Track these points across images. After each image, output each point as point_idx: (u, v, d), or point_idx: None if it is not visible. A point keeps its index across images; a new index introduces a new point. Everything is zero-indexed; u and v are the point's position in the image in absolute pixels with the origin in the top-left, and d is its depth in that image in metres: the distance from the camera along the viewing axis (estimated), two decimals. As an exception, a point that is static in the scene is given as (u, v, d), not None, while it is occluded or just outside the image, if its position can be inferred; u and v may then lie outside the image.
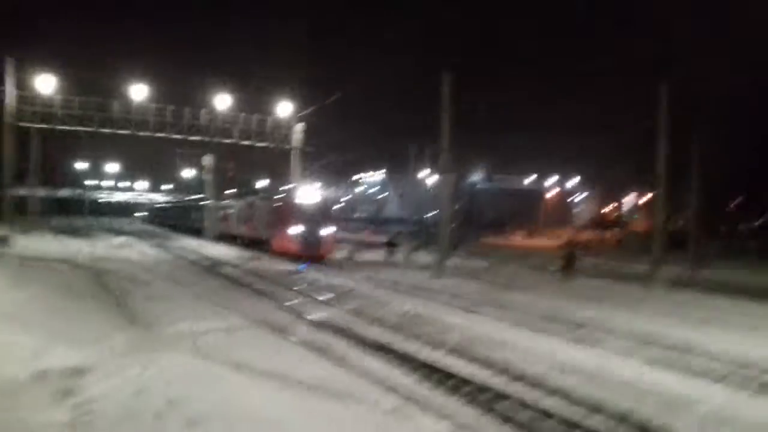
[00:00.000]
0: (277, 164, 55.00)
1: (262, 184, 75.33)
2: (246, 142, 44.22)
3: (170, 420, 5.17)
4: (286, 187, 35.50)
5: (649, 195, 49.98)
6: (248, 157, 56.77)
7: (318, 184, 38.06)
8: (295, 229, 29.24)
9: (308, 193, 31.42)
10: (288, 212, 30.11)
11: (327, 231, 30.19)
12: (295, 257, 28.25)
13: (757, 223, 57.92)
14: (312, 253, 29.00)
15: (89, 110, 40.47)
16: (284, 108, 44.14)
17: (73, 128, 41.14)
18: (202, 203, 51.40)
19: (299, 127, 44.86)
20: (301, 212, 29.90)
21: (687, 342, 12.37)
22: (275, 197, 32.95)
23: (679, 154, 33.43)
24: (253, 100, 45.04)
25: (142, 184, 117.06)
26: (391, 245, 33.61)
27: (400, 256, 32.53)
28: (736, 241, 52.79)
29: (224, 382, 7.14)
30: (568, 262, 26.81)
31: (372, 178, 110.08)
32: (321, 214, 30.47)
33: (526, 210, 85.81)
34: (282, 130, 44.55)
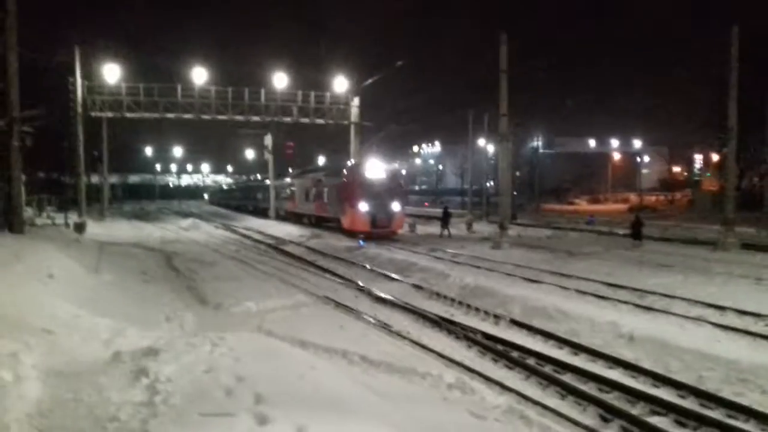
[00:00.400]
0: (335, 140, 55.46)
1: (322, 160, 76.10)
2: (305, 120, 44.63)
3: (240, 396, 5.39)
4: (352, 163, 34.04)
5: (722, 152, 47.74)
6: (307, 135, 57.37)
7: (383, 159, 35.35)
8: (365, 206, 28.06)
9: (376, 167, 29.91)
10: (356, 188, 28.66)
11: (397, 206, 29.00)
12: (367, 235, 27.08)
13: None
14: (383, 229, 28.18)
15: (154, 96, 41.68)
16: (341, 83, 44.17)
17: (139, 115, 42.50)
18: (264, 183, 51.42)
19: (356, 102, 44.90)
20: (370, 188, 28.59)
21: (758, 308, 11.89)
22: (343, 173, 30.94)
23: (752, 105, 31.84)
24: (311, 77, 45.36)
25: (207, 167, 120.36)
26: (445, 217, 31.60)
27: (452, 228, 31.85)
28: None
29: (290, 359, 7.34)
30: (635, 227, 26.07)
31: (430, 149, 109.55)
32: (390, 189, 29.07)
33: (591, 174, 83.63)
34: (339, 105, 44.66)
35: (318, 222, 34.86)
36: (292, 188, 41.98)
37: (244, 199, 63.73)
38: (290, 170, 56.04)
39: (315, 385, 6.01)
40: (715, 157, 65.46)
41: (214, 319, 12.27)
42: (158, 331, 10.15)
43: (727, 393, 7.72)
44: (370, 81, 40.01)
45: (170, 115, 42.94)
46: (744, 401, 7.43)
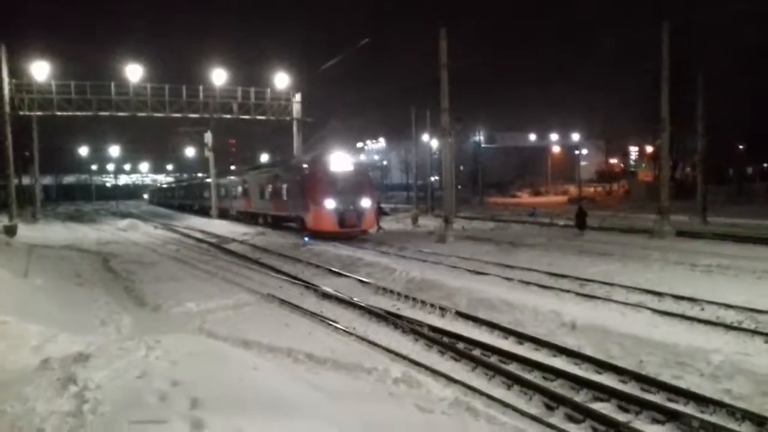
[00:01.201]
0: (277, 137, 54.77)
1: (265, 158, 75.04)
2: (246, 117, 43.84)
3: (175, 402, 5.12)
4: (314, 155, 30.54)
5: (656, 144, 49.35)
6: (249, 132, 56.51)
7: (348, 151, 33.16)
8: (331, 203, 25.41)
9: (341, 160, 27.31)
10: (321, 183, 26.00)
11: (367, 202, 26.35)
12: (334, 235, 24.90)
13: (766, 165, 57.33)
14: (353, 229, 25.71)
15: (86, 94, 40.13)
16: (281, 79, 43.54)
17: (71, 113, 40.86)
18: (206, 181, 49.37)
19: (298, 98, 44.39)
20: (336, 183, 26.05)
21: (694, 293, 12.27)
22: (304, 167, 27.97)
23: (684, 100, 32.99)
24: (250, 73, 44.60)
25: (145, 166, 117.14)
26: (380, 212, 31.27)
27: (398, 223, 31.82)
28: (745, 184, 52.36)
29: (231, 360, 7.07)
30: (579, 217, 26.71)
31: (375, 145, 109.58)
32: (358, 184, 26.63)
33: (532, 167, 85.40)
34: (281, 101, 44.07)
35: (276, 222, 32.18)
36: (245, 185, 38.59)
37: (186, 198, 61.47)
38: (232, 167, 55.00)
39: (256, 386, 5.79)
40: (649, 149, 67.77)
41: (153, 321, 11.83)
42: (92, 335, 9.69)
43: (666, 377, 7.88)
44: (329, 64, 32.31)
45: (104, 113, 41.39)
46: (683, 384, 7.59)
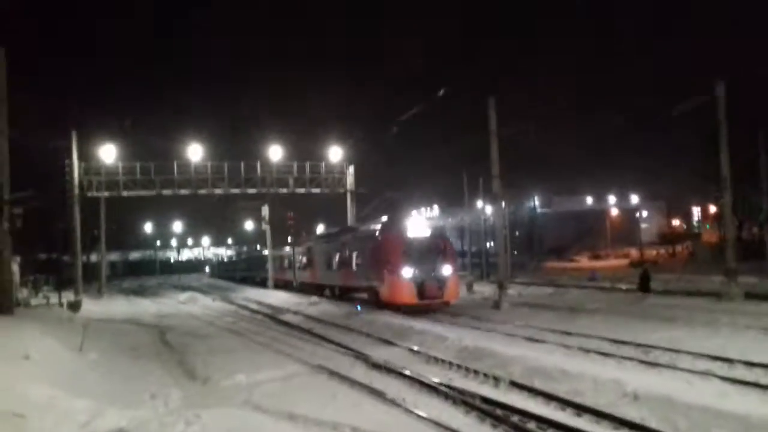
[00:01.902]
0: (331, 208, 55.60)
1: (320, 229, 76.12)
2: (301, 190, 44.93)
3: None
4: (388, 218, 28.01)
5: (719, 203, 47.66)
6: (303, 204, 57.51)
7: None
8: (409, 272, 22.65)
9: (417, 223, 25.26)
10: (396, 249, 23.33)
11: (448, 269, 23.43)
12: (413, 308, 22.31)
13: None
14: (434, 300, 22.79)
15: (150, 174, 42.07)
16: (335, 153, 44.75)
17: (136, 193, 42.80)
18: (264, 254, 49.88)
19: (351, 170, 45.31)
20: (414, 248, 23.38)
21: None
22: (377, 232, 25.65)
23: (745, 155, 31.96)
24: (305, 148, 45.90)
25: (207, 240, 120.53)
26: None
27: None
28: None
29: (271, 435, 6.90)
30: (643, 279, 25.87)
31: (429, 213, 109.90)
32: (438, 249, 23.89)
33: (590, 231, 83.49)
34: (335, 174, 45.10)
35: (344, 293, 29.85)
36: (310, 255, 36.22)
37: (246, 270, 62.41)
38: (289, 239, 55.84)
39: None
40: (713, 209, 65.49)
41: (202, 394, 11.76)
42: (140, 409, 9.67)
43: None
44: (407, 116, 27.52)
45: (167, 192, 43.28)
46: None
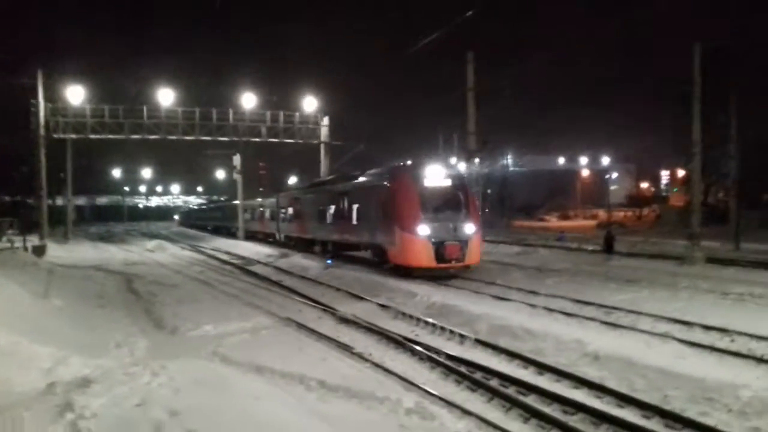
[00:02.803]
0: (305, 160, 55.15)
1: (292, 180, 75.58)
2: (274, 140, 44.39)
3: (169, 434, 4.98)
4: (401, 164, 23.57)
5: (687, 168, 48.39)
6: (277, 154, 56.93)
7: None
8: (426, 229, 19.07)
9: (436, 171, 20.52)
10: (412, 202, 19.54)
11: (471, 228, 19.69)
12: (429, 272, 19.32)
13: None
14: (455, 263, 19.34)
15: (119, 118, 41.09)
16: (310, 103, 44.10)
17: (104, 136, 41.83)
18: (251, 202, 46.85)
19: (326, 121, 44.81)
20: (432, 201, 19.73)
21: (725, 323, 11.79)
22: (386, 180, 21.27)
23: (716, 123, 32.34)
24: (279, 97, 45.14)
25: (177, 188, 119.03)
26: None
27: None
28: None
29: (237, 389, 6.93)
30: (607, 241, 26.40)
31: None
32: (460, 203, 20.08)
33: (560, 191, 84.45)
34: (309, 125, 44.57)
35: (340, 250, 26.49)
36: (299, 206, 32.00)
37: (219, 220, 60.36)
38: (261, 189, 55.22)
39: (259, 418, 5.63)
40: (681, 173, 66.55)
41: (169, 344, 11.76)
42: (105, 358, 9.62)
43: (692, 413, 7.48)
44: (426, 41, 24.42)
45: (136, 137, 42.38)
46: (710, 421, 7.20)
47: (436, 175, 20.26)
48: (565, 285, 17.86)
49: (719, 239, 29.59)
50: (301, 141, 44.74)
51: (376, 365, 10.17)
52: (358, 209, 23.45)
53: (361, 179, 24.22)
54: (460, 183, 20.85)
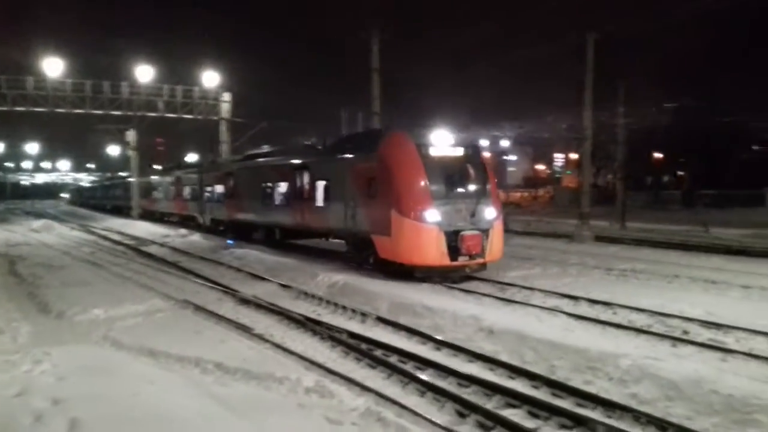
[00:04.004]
0: (206, 137, 53.39)
1: (193, 158, 73.04)
2: (172, 115, 42.59)
3: (51, 423, 4.72)
4: (395, 131, 16.25)
5: (579, 152, 50.95)
6: (175, 130, 54.76)
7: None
8: (435, 214, 14.35)
9: (442, 139, 15.50)
10: (416, 176, 14.69)
11: (492, 212, 15.23)
12: (439, 272, 14.88)
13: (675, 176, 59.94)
14: (472, 260, 14.76)
15: (1, 88, 38.06)
16: (210, 78, 42.61)
17: (-17, 107, 38.65)
18: (150, 179, 43.70)
19: (227, 97, 43.47)
20: (441, 176, 14.93)
21: (609, 297, 12.57)
22: (375, 148, 15.72)
23: (606, 109, 34.14)
24: (178, 70, 43.38)
25: (65, 165, 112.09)
26: None
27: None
28: (661, 191, 54.74)
29: (128, 374, 6.67)
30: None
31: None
32: (477, 180, 15.39)
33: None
34: (209, 100, 43.09)
35: (295, 237, 22.56)
36: (232, 183, 26.30)
37: (119, 199, 57.05)
38: (153, 167, 52.92)
39: (148, 402, 5.43)
40: (574, 156, 69.97)
41: (54, 329, 11.12)
42: (-18, 346, 8.98)
43: (577, 381, 7.95)
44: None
45: (20, 108, 39.41)
46: (592, 389, 7.67)
47: (444, 142, 15.44)
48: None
49: (607, 219, 31.42)
50: (200, 117, 43.19)
51: (277, 346, 10.10)
52: (326, 187, 18.22)
53: (332, 148, 19.23)
54: (476, 153, 15.88)
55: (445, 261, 14.45)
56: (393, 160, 15.07)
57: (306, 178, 19.55)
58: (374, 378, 8.56)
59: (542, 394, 7.66)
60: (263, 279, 16.48)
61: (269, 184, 22.44)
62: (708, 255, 19.58)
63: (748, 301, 12.77)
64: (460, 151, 15.53)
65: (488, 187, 15.48)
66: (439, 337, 10.24)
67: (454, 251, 14.42)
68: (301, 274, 16.60)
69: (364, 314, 12.07)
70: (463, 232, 14.53)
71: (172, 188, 36.80)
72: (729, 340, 9.71)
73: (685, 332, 10.16)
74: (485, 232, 14.91)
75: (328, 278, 15.51)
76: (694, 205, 41.53)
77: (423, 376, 8.39)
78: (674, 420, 6.69)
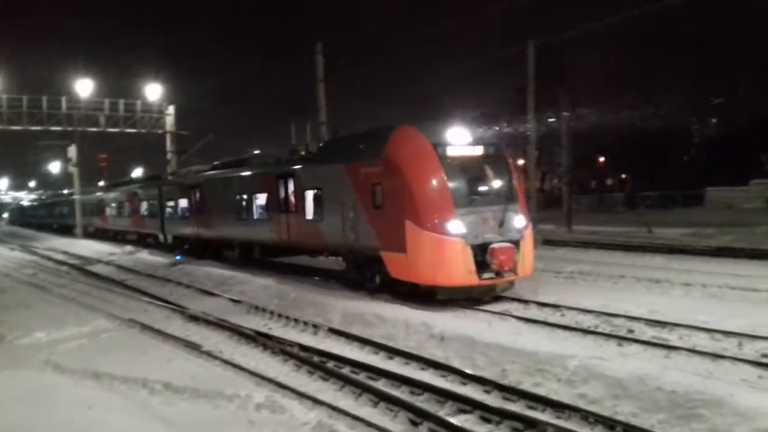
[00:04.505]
0: (150, 151, 52.30)
1: (138, 172, 71.36)
2: (114, 129, 41.57)
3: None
4: (404, 128, 13.75)
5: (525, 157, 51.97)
6: (118, 145, 53.33)
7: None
8: (458, 225, 12.37)
9: (459, 136, 13.38)
10: (435, 180, 12.67)
11: (521, 221, 13.29)
12: (468, 291, 12.84)
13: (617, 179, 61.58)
14: (502, 276, 12.68)
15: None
16: (153, 90, 41.81)
17: None
18: (74, 197, 43.11)
19: (171, 110, 42.70)
20: (463, 179, 12.99)
21: (557, 299, 12.79)
22: (382, 149, 13.46)
23: (551, 115, 34.95)
24: (120, 84, 42.44)
25: (3, 183, 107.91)
26: None
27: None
28: (605, 195, 56.19)
29: (70, 397, 6.44)
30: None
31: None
32: (502, 184, 13.43)
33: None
34: (153, 113, 42.24)
35: (278, 255, 20.01)
36: (198, 197, 23.52)
37: (49, 217, 55.57)
38: (101, 183, 51.60)
39: (86, 428, 5.23)
40: (520, 161, 71.22)
41: (-8, 356, 10.66)
42: None
43: (527, 384, 8.04)
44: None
45: (-48, 125, 37.87)
46: (541, 391, 7.77)
47: (463, 140, 13.32)
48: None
49: (554, 222, 32.05)
50: (144, 131, 42.29)
51: (226, 362, 9.93)
52: (317, 197, 15.97)
53: (324, 152, 16.92)
54: (499, 152, 13.84)
55: (473, 280, 12.28)
56: (404, 161, 12.82)
57: (292, 187, 17.21)
58: (327, 390, 8.49)
59: (493, 399, 7.73)
60: (213, 294, 16.20)
61: (245, 196, 20.10)
62: (651, 255, 20.15)
63: (689, 298, 13.18)
64: (480, 150, 13.46)
65: (515, 190, 13.54)
66: (391, 345, 10.23)
67: (481, 267, 12.28)
68: (252, 287, 16.37)
69: (316, 326, 11.98)
70: (493, 245, 12.41)
71: (127, 204, 33.58)
72: (672, 337, 9.98)
73: (630, 331, 10.40)
74: (516, 243, 12.83)
75: (280, 291, 15.33)
76: (637, 207, 42.86)
77: (376, 386, 8.36)
78: (621, 418, 6.83)
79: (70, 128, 40.06)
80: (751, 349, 9.06)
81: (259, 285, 16.52)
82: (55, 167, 78.06)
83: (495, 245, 12.41)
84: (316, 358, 9.86)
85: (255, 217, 19.62)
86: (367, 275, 14.44)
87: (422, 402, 7.76)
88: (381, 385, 8.47)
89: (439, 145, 12.89)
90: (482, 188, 13.08)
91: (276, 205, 18.03)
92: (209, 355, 10.38)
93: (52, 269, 24.60)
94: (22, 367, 9.22)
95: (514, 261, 12.57)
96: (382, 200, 13.25)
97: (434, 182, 12.57)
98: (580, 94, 40.56)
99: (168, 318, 13.76)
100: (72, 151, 42.16)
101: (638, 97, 39.81)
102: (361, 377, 8.84)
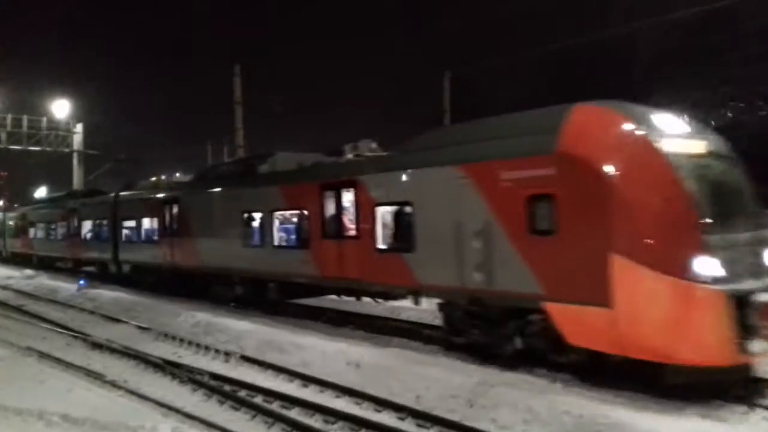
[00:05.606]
0: (57, 169, 49.82)
1: (42, 192, 67.68)
2: (16, 147, 39.29)
3: None
4: (594, 108, 9.09)
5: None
6: (20, 163, 50.46)
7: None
8: (710, 264, 7.70)
9: (687, 129, 9.12)
10: (660, 196, 8.03)
11: None
12: (721, 375, 7.97)
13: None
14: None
15: None
16: (61, 107, 39.91)
17: None
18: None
19: (80, 128, 40.87)
20: (704, 194, 8.14)
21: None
22: (545, 142, 8.85)
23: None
24: (24, 99, 40.17)
25: None
26: None
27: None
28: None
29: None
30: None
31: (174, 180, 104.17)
32: (747, 197, 8.97)
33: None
34: (60, 131, 40.26)
35: (309, 294, 15.48)
36: (163, 214, 19.15)
37: None
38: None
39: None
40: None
41: None
42: None
43: (441, 410, 8.07)
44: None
45: None
46: (455, 417, 7.81)
47: (682, 128, 9.10)
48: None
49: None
50: (49, 149, 40.21)
51: (131, 392, 9.47)
52: (407, 215, 11.37)
53: (412, 147, 11.85)
54: (729, 154, 9.36)
55: (737, 356, 7.63)
56: (606, 156, 8.37)
57: (350, 201, 12.67)
58: (237, 421, 8.25)
59: (408, 425, 7.71)
60: (119, 321, 15.49)
61: (259, 215, 15.42)
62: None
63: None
64: (704, 144, 8.94)
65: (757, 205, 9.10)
66: (307, 373, 10.06)
67: (747, 332, 7.64)
68: (162, 314, 15.79)
69: (227, 353, 11.62)
70: (754, 296, 7.81)
71: (63, 223, 27.38)
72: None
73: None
74: None
75: (192, 317, 14.84)
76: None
77: (289, 415, 8.18)
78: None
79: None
80: None
81: (168, 311, 15.94)
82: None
83: (756, 297, 7.80)
84: (227, 387, 9.57)
85: (276, 243, 14.99)
86: (496, 336, 9.83)
87: (336, 430, 7.66)
88: (295, 413, 8.31)
89: (655, 134, 8.46)
90: (729, 204, 8.47)
91: (318, 227, 13.41)
92: (113, 384, 9.87)
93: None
94: None
95: None
96: (555, 221, 8.75)
97: (665, 192, 8.11)
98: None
99: (69, 345, 13.04)
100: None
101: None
102: (275, 406, 8.64)
